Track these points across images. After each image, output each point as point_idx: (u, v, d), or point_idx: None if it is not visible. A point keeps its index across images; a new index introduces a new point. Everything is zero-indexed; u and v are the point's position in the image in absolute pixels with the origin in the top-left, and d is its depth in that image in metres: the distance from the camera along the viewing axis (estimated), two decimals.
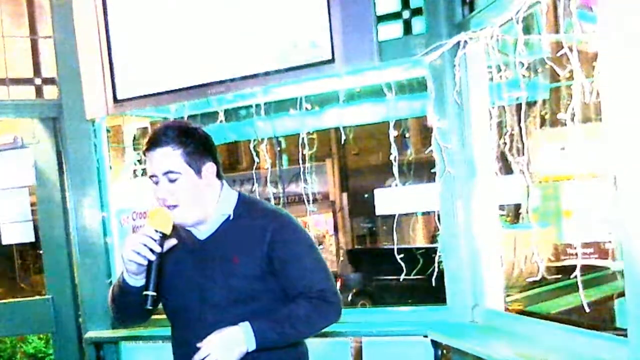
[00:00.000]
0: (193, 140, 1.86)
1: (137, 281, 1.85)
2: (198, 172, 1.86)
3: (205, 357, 1.76)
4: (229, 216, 1.93)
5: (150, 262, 1.80)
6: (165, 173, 1.84)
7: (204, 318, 1.88)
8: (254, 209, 1.95)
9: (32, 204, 3.63)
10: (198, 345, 1.80)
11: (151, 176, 1.87)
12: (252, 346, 1.79)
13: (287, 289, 1.91)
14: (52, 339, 3.67)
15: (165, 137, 1.84)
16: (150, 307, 1.80)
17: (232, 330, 1.80)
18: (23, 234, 3.62)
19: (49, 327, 3.57)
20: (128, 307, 1.94)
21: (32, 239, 3.64)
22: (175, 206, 1.85)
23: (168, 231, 1.83)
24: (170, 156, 1.83)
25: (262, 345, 1.80)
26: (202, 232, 1.94)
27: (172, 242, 1.88)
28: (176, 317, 2.00)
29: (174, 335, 2.02)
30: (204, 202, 1.89)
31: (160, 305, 2.01)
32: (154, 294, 1.79)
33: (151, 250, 1.79)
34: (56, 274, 3.56)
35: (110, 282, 3.46)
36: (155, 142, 1.85)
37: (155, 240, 1.79)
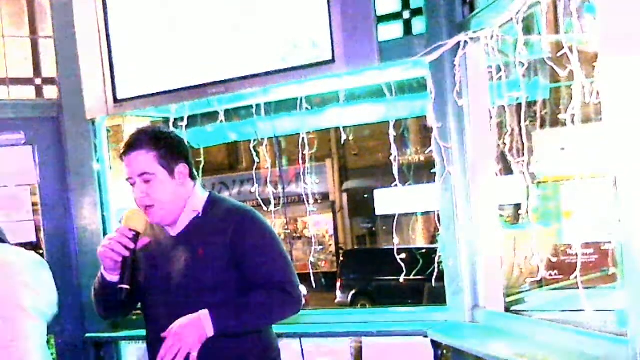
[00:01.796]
0: (166, 143, 2.01)
1: (114, 277, 1.99)
2: (171, 173, 2.01)
3: (170, 347, 1.88)
4: (199, 213, 2.06)
5: (124, 258, 1.95)
6: (141, 174, 1.99)
7: (173, 308, 2.00)
8: (222, 206, 2.09)
9: (33, 204, 3.62)
10: (162, 335, 1.91)
11: (128, 178, 2.02)
12: (210, 332, 1.91)
13: (249, 279, 2.02)
14: (55, 339, 3.65)
15: (140, 141, 2.00)
16: (125, 300, 1.96)
17: (192, 317, 1.92)
18: (24, 234, 3.62)
19: (55, 327, 3.56)
20: (107, 301, 2.08)
21: (34, 239, 3.64)
22: (151, 206, 2.00)
23: (141, 230, 2.00)
24: (145, 158, 1.98)
25: (221, 330, 1.92)
26: (174, 229, 2.08)
27: (145, 240, 2.04)
28: (149, 309, 2.12)
29: (147, 328, 2.15)
30: (178, 201, 2.04)
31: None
32: (128, 287, 1.94)
33: (125, 247, 1.94)
34: (60, 274, 3.54)
35: None
36: (130, 145, 2.00)
37: (129, 238, 1.96)
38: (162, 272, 2.06)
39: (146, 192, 1.99)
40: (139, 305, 2.19)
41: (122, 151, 2.03)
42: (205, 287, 2.00)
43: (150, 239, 2.09)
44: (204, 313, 1.93)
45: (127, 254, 1.95)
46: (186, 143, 2.11)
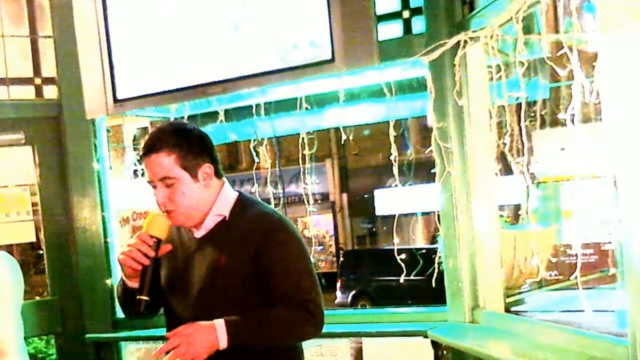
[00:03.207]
0: (188, 143, 1.87)
1: (135, 284, 1.88)
2: (194, 175, 1.88)
3: (172, 349, 1.76)
4: (225, 217, 1.93)
5: (144, 267, 1.83)
6: (162, 179, 1.85)
7: (191, 316, 1.88)
8: (250, 210, 1.95)
9: (33, 204, 3.62)
10: (167, 335, 1.80)
11: (149, 182, 1.89)
12: (223, 344, 1.78)
13: (272, 292, 1.88)
14: (55, 339, 3.65)
15: (160, 141, 1.85)
16: (144, 311, 1.83)
17: (205, 325, 1.79)
18: (23, 234, 3.62)
19: (56, 328, 3.56)
20: (130, 305, 1.95)
21: (33, 239, 3.64)
22: (174, 210, 1.87)
23: (163, 237, 1.87)
24: (166, 161, 1.84)
25: (235, 344, 1.79)
26: (199, 231, 1.95)
27: (167, 247, 1.91)
28: (169, 314, 2.02)
29: (167, 329, 2.01)
30: (202, 204, 1.90)
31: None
32: (147, 298, 1.82)
33: (146, 255, 1.82)
34: (60, 274, 3.55)
35: (111, 282, 3.47)
36: (150, 147, 1.86)
37: (150, 246, 1.83)
38: (183, 276, 1.94)
39: (168, 196, 1.86)
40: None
41: (141, 152, 1.88)
42: (224, 297, 1.88)
43: (175, 241, 1.97)
44: (219, 323, 1.80)
45: (146, 262, 1.82)
46: (209, 138, 1.95)
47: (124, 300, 1.98)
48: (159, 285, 1.98)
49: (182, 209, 1.87)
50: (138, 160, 3.76)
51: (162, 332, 3.07)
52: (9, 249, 3.74)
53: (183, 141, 1.86)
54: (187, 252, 1.96)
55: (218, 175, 1.94)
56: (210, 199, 1.91)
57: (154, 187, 1.89)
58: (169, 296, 1.99)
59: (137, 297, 1.82)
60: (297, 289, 1.88)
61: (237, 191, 1.98)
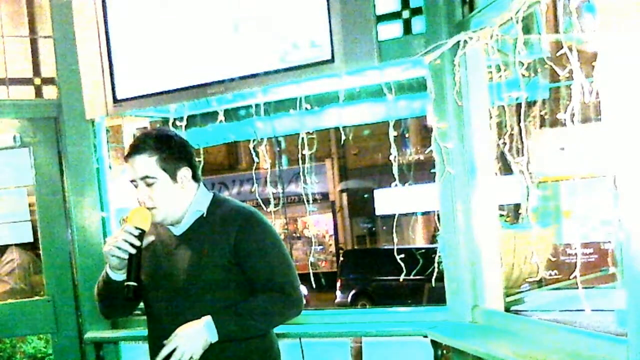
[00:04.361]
0: (168, 148, 2.06)
1: (119, 275, 2.04)
2: (173, 176, 2.06)
3: (172, 350, 1.94)
4: (202, 214, 2.11)
5: (131, 255, 1.99)
6: (143, 178, 2.04)
7: (175, 307, 2.06)
8: (225, 206, 2.13)
9: (30, 204, 3.62)
10: (165, 342, 1.96)
11: (131, 181, 2.07)
12: (214, 338, 1.97)
13: (251, 280, 2.08)
14: (52, 339, 3.66)
15: (143, 144, 2.04)
16: (132, 297, 1.99)
17: (195, 324, 1.97)
18: (21, 235, 3.62)
19: (50, 327, 3.57)
20: (112, 299, 2.13)
21: (31, 240, 3.64)
22: (153, 208, 2.05)
23: (147, 228, 2.04)
24: (147, 162, 2.03)
25: (224, 336, 1.98)
26: (178, 229, 2.13)
27: (150, 238, 2.10)
28: (151, 308, 2.16)
29: (149, 326, 2.19)
30: (180, 204, 2.09)
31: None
32: (135, 284, 1.99)
33: (131, 245, 1.99)
34: (56, 274, 3.56)
35: None
36: (133, 149, 2.05)
37: (135, 236, 1.99)
38: (165, 271, 2.10)
39: (148, 194, 2.04)
40: (142, 304, 2.22)
41: (126, 154, 2.08)
42: (208, 287, 2.05)
43: (155, 238, 2.14)
44: (207, 319, 1.98)
45: (133, 251, 1.99)
46: (190, 145, 2.15)
47: (107, 293, 2.12)
48: (140, 281, 2.08)
49: (161, 206, 2.05)
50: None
51: None
52: (8, 249, 3.75)
53: (164, 145, 2.05)
54: (168, 249, 2.12)
55: (195, 179, 2.13)
56: (188, 199, 2.10)
57: (136, 186, 2.07)
58: (151, 292, 2.13)
59: (125, 283, 1.98)
60: (274, 274, 2.08)
61: (212, 192, 2.18)
